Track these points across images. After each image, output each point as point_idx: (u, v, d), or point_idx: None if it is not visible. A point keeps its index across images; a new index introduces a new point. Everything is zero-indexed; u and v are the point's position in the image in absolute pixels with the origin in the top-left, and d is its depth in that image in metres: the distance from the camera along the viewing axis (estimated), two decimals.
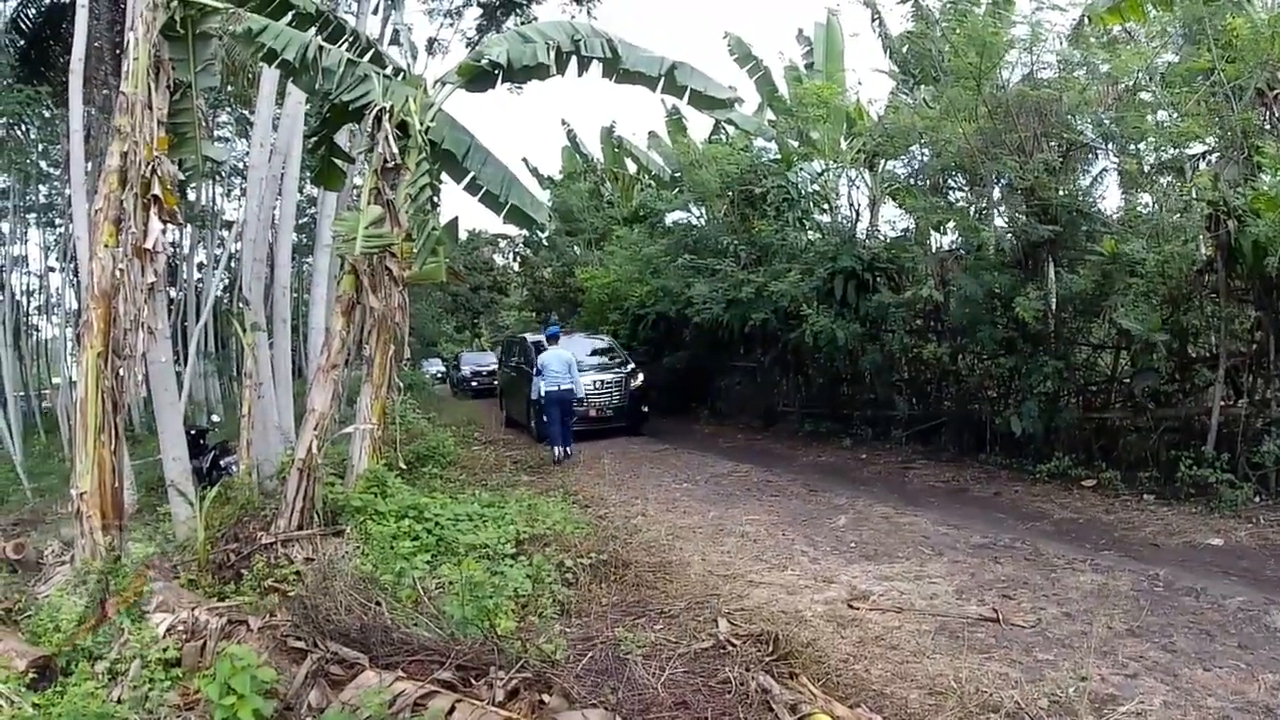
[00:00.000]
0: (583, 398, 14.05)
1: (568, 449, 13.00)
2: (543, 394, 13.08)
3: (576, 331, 18.76)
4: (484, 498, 8.24)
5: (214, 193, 25.98)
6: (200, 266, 27.19)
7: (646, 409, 16.13)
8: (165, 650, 4.52)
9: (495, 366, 26.88)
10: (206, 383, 24.05)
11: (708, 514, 8.63)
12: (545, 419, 13.44)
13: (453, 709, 3.47)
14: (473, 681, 3.74)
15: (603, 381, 15.58)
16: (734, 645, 4.65)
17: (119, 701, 4.21)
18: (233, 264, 22.97)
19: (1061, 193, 9.53)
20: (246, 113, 18.69)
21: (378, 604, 4.48)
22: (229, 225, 25.39)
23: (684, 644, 4.72)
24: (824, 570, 6.44)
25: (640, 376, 16.09)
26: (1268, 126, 9.01)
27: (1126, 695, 4.03)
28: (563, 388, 12.99)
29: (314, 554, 6.53)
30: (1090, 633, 4.75)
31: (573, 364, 13.31)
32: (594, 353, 16.43)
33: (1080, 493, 8.63)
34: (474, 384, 30.09)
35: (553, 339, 13.90)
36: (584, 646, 4.54)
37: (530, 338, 17.64)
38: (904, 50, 13.64)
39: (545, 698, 3.60)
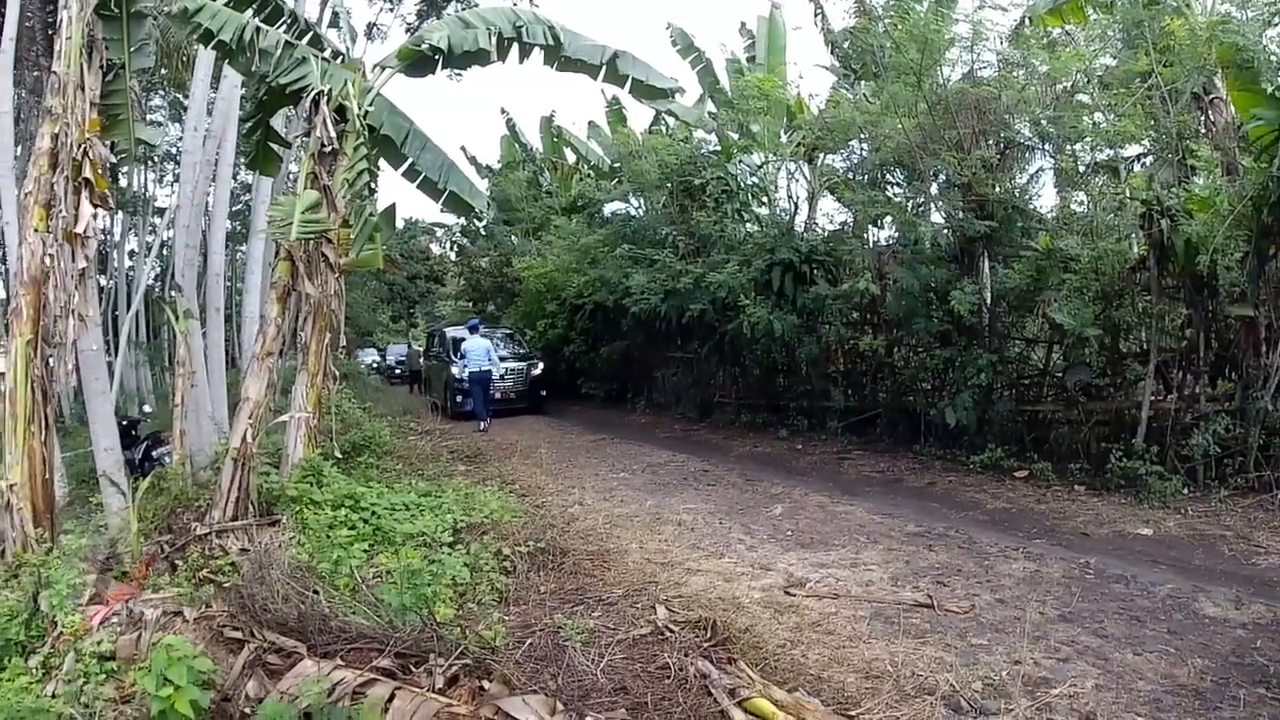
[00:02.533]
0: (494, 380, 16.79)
1: (487, 419, 15.85)
2: (465, 375, 16.26)
3: (489, 327, 20.34)
4: (421, 487, 8.17)
5: (146, 178, 25.29)
6: (131, 254, 26.47)
7: (545, 393, 18.85)
8: (100, 643, 4.37)
9: (418, 355, 30.07)
10: (138, 372, 23.42)
11: (645, 503, 8.66)
12: (469, 396, 16.46)
13: (392, 697, 3.44)
14: (412, 669, 3.70)
15: (509, 370, 18.11)
16: (672, 632, 4.68)
17: (54, 696, 4.07)
18: (165, 251, 22.42)
19: (998, 189, 9.73)
20: (180, 96, 18.19)
21: (315, 592, 4.40)
22: (161, 212, 24.75)
23: (623, 631, 4.74)
24: (761, 558, 6.50)
25: (540, 366, 19.00)
26: (1202, 130, 9.31)
27: (1059, 678, 4.14)
28: (482, 369, 16.11)
29: (249, 545, 6.39)
30: (1023, 618, 4.86)
31: (491, 350, 16.40)
32: (502, 346, 18.82)
33: (1013, 483, 8.83)
34: (397, 371, 34.31)
35: (474, 329, 16.86)
36: (523, 634, 4.53)
37: (449, 331, 20.45)
38: (846, 45, 13.74)
39: (485, 684, 3.57)
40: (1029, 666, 4.26)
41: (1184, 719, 3.74)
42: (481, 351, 16.19)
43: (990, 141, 10.03)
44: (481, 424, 15.65)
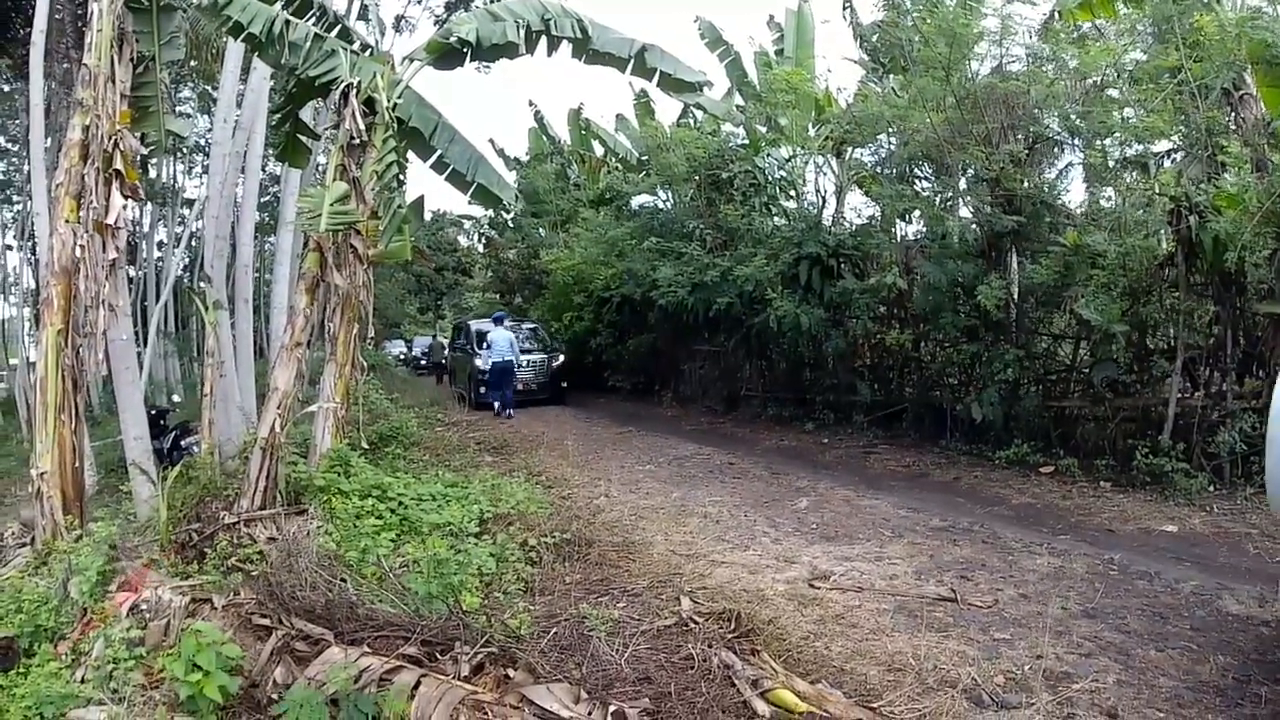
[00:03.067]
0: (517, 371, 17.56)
1: (509, 410, 16.63)
2: (489, 365, 17.02)
3: (514, 319, 21.13)
4: (447, 478, 8.24)
5: (175, 170, 25.57)
6: (160, 245, 26.77)
7: (565, 385, 19.28)
8: (129, 630, 4.44)
9: (441, 347, 31.78)
10: (166, 363, 23.71)
11: (670, 495, 8.69)
12: (493, 387, 17.23)
13: (418, 684, 3.49)
14: (438, 656, 3.76)
15: (531, 361, 18.81)
16: (696, 623, 4.71)
17: (83, 681, 4.15)
18: (193, 242, 22.66)
19: (1026, 184, 9.65)
20: (209, 88, 18.36)
21: (342, 580, 4.47)
22: (190, 203, 25.01)
23: (647, 622, 4.78)
24: (785, 551, 6.53)
25: (562, 358, 19.55)
26: (1232, 126, 9.20)
27: (1081, 673, 4.14)
28: (505, 359, 16.86)
29: (277, 533, 6.44)
30: (1046, 613, 4.85)
31: (514, 342, 17.17)
32: (526, 338, 19.55)
33: (1038, 479, 8.79)
34: (422, 362, 35.14)
35: (498, 321, 17.83)
36: (548, 624, 4.55)
37: (473, 324, 20.99)
38: (874, 39, 13.67)
39: (510, 672, 3.62)
40: (1051, 661, 4.28)
41: (1205, 715, 3.73)
42: (505, 343, 16.91)
43: (1019, 136, 9.96)
44: (506, 413, 16.48)
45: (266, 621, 4.21)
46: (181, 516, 7.00)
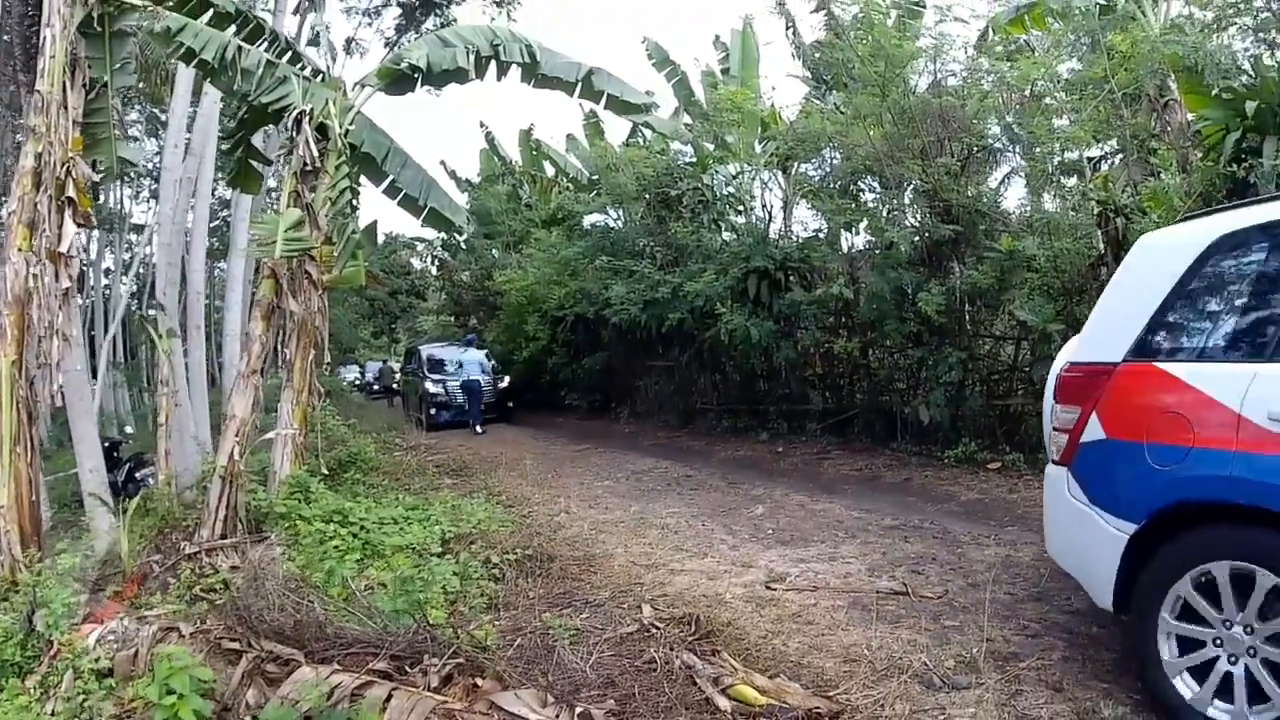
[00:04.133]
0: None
1: (478, 427, 17.98)
2: (460, 383, 18.78)
3: (457, 344, 22.90)
4: (408, 501, 8.29)
5: (122, 194, 25.26)
6: (107, 272, 26.39)
7: (511, 404, 20.48)
8: (97, 660, 4.47)
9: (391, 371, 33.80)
10: (116, 394, 23.35)
11: (629, 509, 8.83)
12: (443, 409, 19.33)
13: (389, 697, 3.58)
14: (407, 670, 3.85)
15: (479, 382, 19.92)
16: (658, 628, 4.86)
17: (53, 714, 4.17)
18: (140, 269, 22.38)
19: (962, 195, 9.97)
20: (157, 111, 18.22)
21: (310, 602, 4.54)
22: (138, 229, 24.70)
23: (610, 630, 4.91)
24: (743, 556, 6.69)
25: (506, 380, 20.78)
26: (1156, 130, 9.62)
27: (1027, 653, 4.36)
28: (473, 379, 18.77)
29: (239, 562, 6.49)
30: (995, 600, 5.06)
31: (483, 362, 19.12)
32: (475, 361, 20.96)
33: (986, 475, 9.06)
34: (375, 387, 35.30)
35: (469, 344, 19.90)
36: (513, 635, 4.67)
37: (424, 349, 22.53)
38: (816, 57, 14.03)
39: (479, 681, 3.73)
40: (999, 643, 4.49)
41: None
42: (474, 364, 19.15)
43: (955, 148, 10.30)
44: (477, 428, 18.00)
45: (236, 645, 4.27)
46: (141, 548, 7.00)
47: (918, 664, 4.27)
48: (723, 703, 3.83)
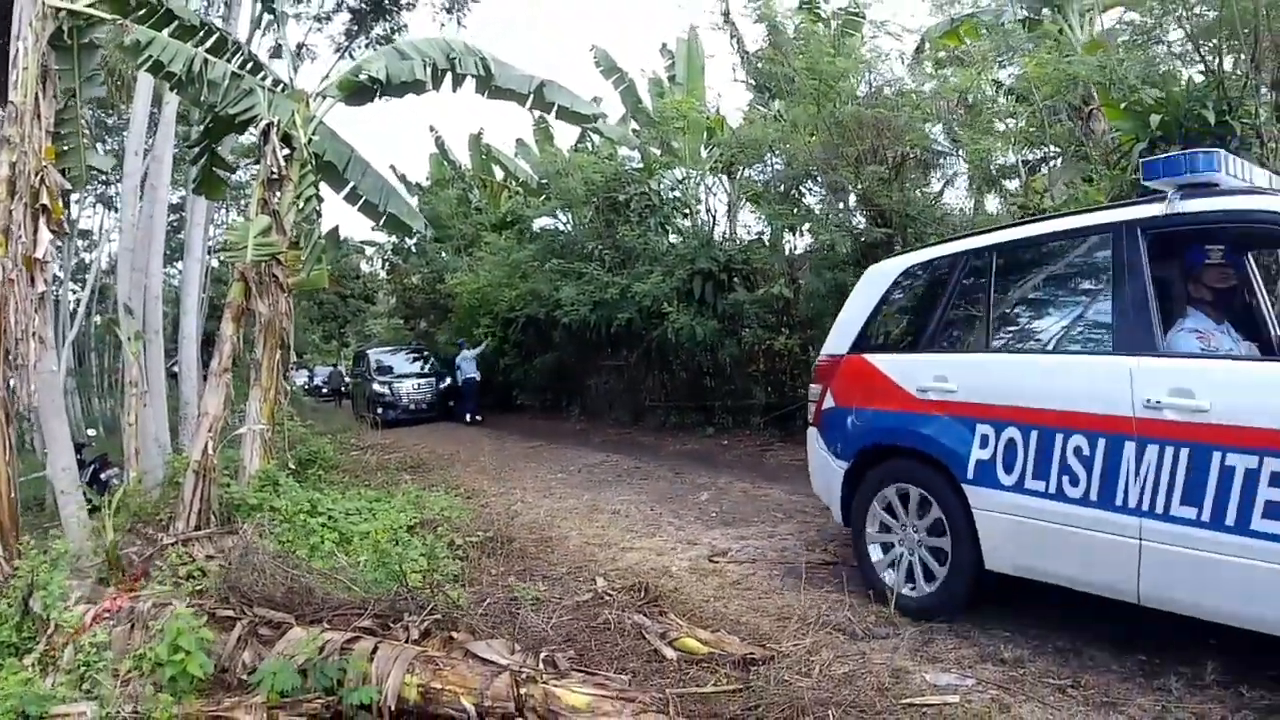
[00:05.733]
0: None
1: (477, 415, 20.13)
2: (462, 380, 20.41)
3: (403, 349, 25.10)
4: (370, 494, 8.69)
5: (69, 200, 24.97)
6: (56, 280, 26.13)
7: (452, 403, 21.59)
8: (95, 636, 4.80)
9: (340, 375, 36.22)
10: (68, 399, 23.19)
11: (582, 498, 9.32)
12: (389, 408, 21.16)
13: (375, 649, 4.02)
14: (390, 626, 4.30)
15: (419, 384, 22.14)
16: (611, 595, 5.38)
17: (55, 685, 4.44)
18: (85, 275, 22.31)
19: (893, 199, 10.60)
20: (103, 114, 18.24)
21: (298, 571, 4.97)
22: (84, 234, 24.58)
23: (567, 598, 5.44)
24: (688, 535, 7.26)
25: (448, 380, 21.95)
26: (1081, 139, 10.33)
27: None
28: (470, 376, 20.20)
29: (215, 552, 6.82)
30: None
31: (477, 359, 20.26)
32: (417, 364, 23.36)
33: None
34: (323, 390, 37.87)
35: (463, 347, 20.66)
36: (480, 601, 5.15)
37: (371, 353, 24.49)
38: (760, 65, 14.59)
39: (454, 634, 4.20)
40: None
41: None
42: (470, 363, 20.22)
43: (889, 156, 10.93)
44: (472, 418, 20.09)
45: (230, 613, 4.66)
46: (119, 541, 7.30)
47: (842, 619, 4.83)
48: (669, 652, 4.36)
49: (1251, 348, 4.40)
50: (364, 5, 19.84)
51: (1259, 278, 3.72)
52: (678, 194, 15.49)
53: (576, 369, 18.64)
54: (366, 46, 19.31)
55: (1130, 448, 3.84)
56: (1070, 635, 4.45)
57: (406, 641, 4.12)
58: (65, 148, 7.76)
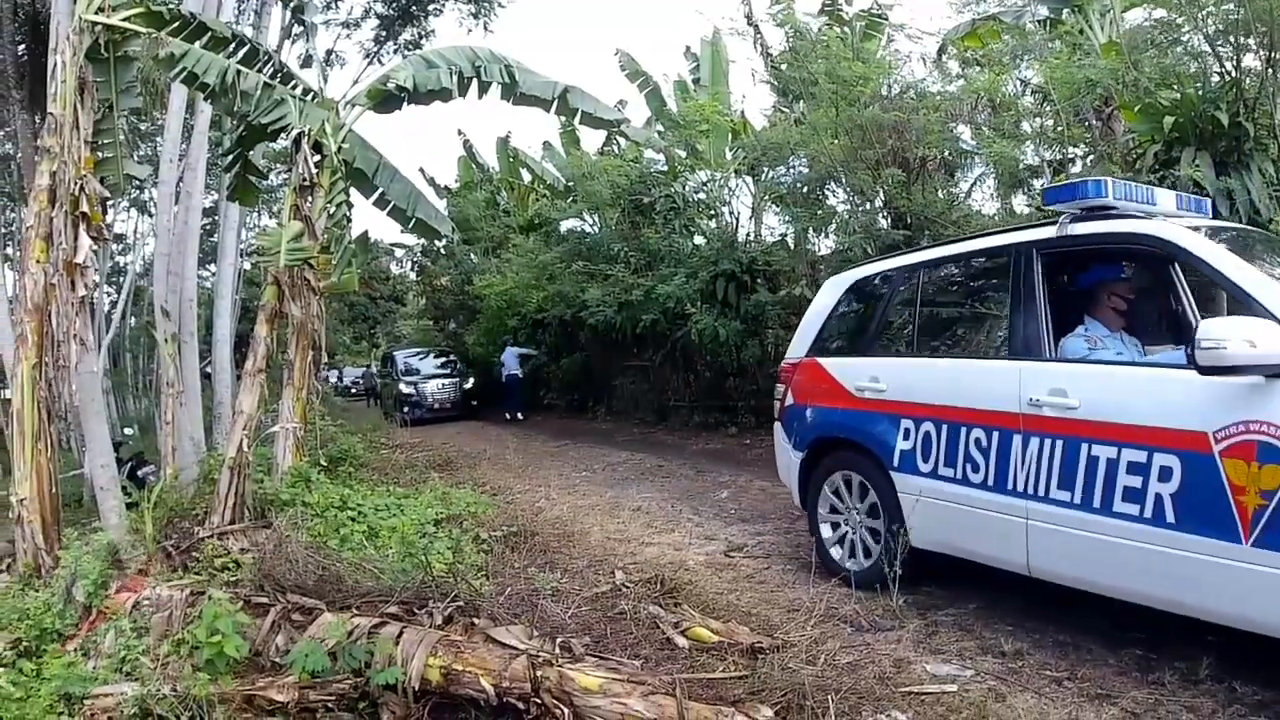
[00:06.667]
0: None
1: (519, 413, 20.44)
2: (504, 377, 20.78)
3: (431, 351, 25.67)
4: (399, 491, 8.90)
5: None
6: (95, 283, 26.57)
7: (475, 403, 22.81)
8: (135, 622, 4.98)
9: (362, 377, 38.45)
10: (105, 399, 23.61)
11: (605, 495, 9.54)
12: (415, 406, 22.10)
13: (401, 633, 4.22)
14: (415, 612, 4.51)
15: (443, 384, 23.05)
16: (628, 588, 5.57)
17: (96, 668, 4.56)
18: (120, 278, 22.73)
19: (913, 202, 10.71)
20: (137, 120, 18.60)
21: (329, 560, 5.21)
22: (119, 238, 25.06)
23: (586, 590, 5.63)
24: (706, 531, 7.45)
25: (471, 381, 23.27)
26: (1099, 139, 10.39)
27: (946, 604, 5.15)
28: (513, 373, 20.61)
29: (249, 545, 7.06)
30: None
31: (520, 358, 20.83)
32: (442, 365, 24.20)
33: None
34: (351, 390, 39.13)
35: (505, 345, 21.33)
36: (502, 591, 5.37)
37: (398, 355, 25.62)
38: (784, 67, 14.69)
39: (475, 620, 4.41)
40: (923, 596, 5.24)
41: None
42: (514, 360, 20.71)
43: (909, 158, 11.03)
44: (514, 415, 20.45)
45: (264, 600, 4.89)
46: (158, 533, 7.58)
47: (850, 612, 4.99)
48: (681, 641, 4.55)
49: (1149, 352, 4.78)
50: (392, 12, 20.09)
51: (1185, 290, 4.01)
52: (702, 196, 15.61)
53: (602, 369, 18.87)
54: (395, 52, 19.57)
55: (1018, 440, 4.41)
56: (1070, 629, 4.57)
57: (430, 626, 4.32)
58: (103, 156, 7.99)
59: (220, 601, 4.39)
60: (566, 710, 3.54)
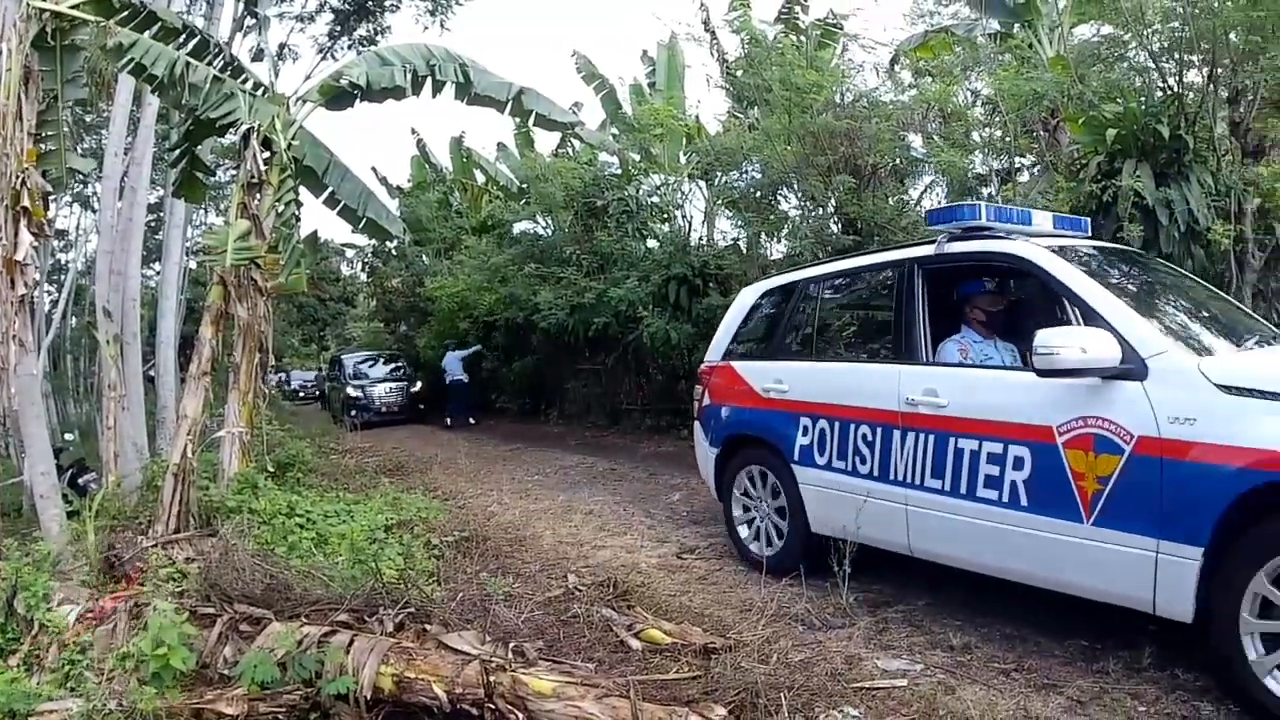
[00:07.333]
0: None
1: (470, 418, 20.08)
2: (449, 382, 20.44)
3: (376, 354, 25.91)
4: (349, 497, 8.78)
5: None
6: (35, 282, 25.85)
7: (423, 406, 22.72)
8: (79, 635, 4.79)
9: (314, 380, 38.81)
10: (45, 403, 22.97)
11: (557, 498, 9.52)
12: (363, 410, 21.98)
13: (352, 641, 4.17)
14: (366, 620, 4.46)
15: (390, 388, 23.09)
16: (581, 591, 5.59)
17: (40, 684, 4.40)
18: (62, 277, 22.14)
19: (863, 208, 10.82)
20: (81, 111, 18.17)
21: (277, 568, 5.12)
22: (61, 234, 24.42)
23: (539, 594, 5.64)
24: (659, 533, 7.50)
25: (419, 385, 23.30)
26: (1044, 150, 10.60)
27: (896, 600, 5.26)
28: (457, 378, 20.29)
29: (194, 554, 6.89)
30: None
31: (464, 361, 20.46)
32: (391, 369, 24.28)
33: None
34: (299, 393, 38.81)
35: (449, 348, 20.99)
36: (454, 596, 5.33)
37: (346, 359, 25.61)
38: (738, 74, 14.78)
39: (427, 627, 4.37)
40: (874, 594, 5.35)
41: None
42: (456, 364, 20.41)
43: (861, 165, 11.15)
44: (448, 420, 20.23)
45: (211, 610, 4.80)
46: (99, 543, 7.38)
47: (801, 611, 5.06)
48: (634, 643, 4.56)
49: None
50: (347, 6, 19.78)
51: (1041, 301, 5.06)
52: (656, 200, 15.63)
53: (554, 373, 18.80)
54: (349, 48, 19.28)
55: (898, 435, 4.95)
56: (1017, 623, 4.69)
57: (381, 634, 4.28)
58: (47, 149, 7.80)
59: (165, 613, 4.28)
60: (520, 715, 3.53)
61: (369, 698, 3.78)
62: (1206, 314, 4.81)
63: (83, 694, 4.14)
